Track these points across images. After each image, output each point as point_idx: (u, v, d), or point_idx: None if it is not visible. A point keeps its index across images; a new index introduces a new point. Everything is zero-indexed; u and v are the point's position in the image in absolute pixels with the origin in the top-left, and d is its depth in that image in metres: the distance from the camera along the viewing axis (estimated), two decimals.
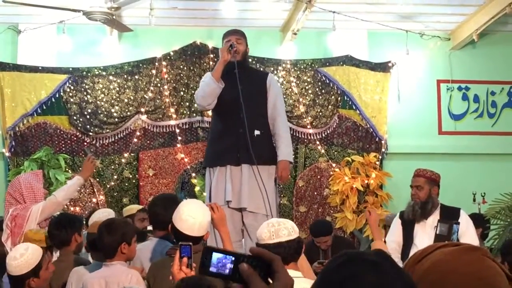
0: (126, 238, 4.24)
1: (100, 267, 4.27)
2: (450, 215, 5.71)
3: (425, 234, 5.72)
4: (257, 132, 5.75)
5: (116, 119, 8.45)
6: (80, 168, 8.29)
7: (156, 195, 6.72)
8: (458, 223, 5.44)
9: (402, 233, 5.81)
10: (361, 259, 1.26)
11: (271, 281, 1.41)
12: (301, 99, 8.67)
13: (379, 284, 1.20)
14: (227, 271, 1.43)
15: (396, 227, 5.87)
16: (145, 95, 8.48)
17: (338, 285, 1.22)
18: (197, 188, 8.33)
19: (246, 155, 5.68)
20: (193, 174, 8.45)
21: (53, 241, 5.18)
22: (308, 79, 8.78)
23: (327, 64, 8.84)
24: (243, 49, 5.85)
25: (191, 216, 4.06)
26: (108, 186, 8.38)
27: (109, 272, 4.12)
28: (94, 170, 7.79)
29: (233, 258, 1.44)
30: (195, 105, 8.51)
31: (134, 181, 8.51)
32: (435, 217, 5.77)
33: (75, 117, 8.39)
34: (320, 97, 8.76)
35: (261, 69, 8.42)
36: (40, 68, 8.41)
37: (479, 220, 6.70)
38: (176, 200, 4.87)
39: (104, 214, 5.57)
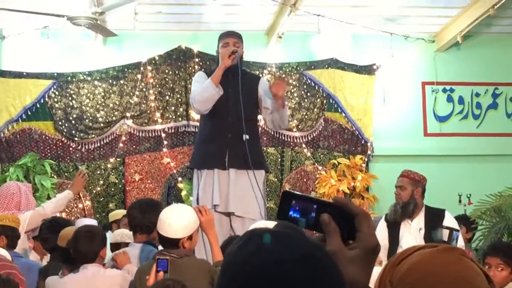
0: (104, 242, 4.32)
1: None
2: (435, 217, 5.75)
3: (410, 236, 5.76)
4: (245, 137, 5.74)
5: (102, 124, 8.43)
6: (66, 174, 8.32)
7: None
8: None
9: (388, 235, 5.84)
10: (259, 233, 1.16)
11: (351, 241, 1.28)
12: (286, 103, 8.65)
13: (284, 253, 1.11)
14: (310, 218, 1.30)
15: (381, 229, 5.89)
16: (130, 100, 8.45)
17: (242, 264, 1.12)
18: (183, 193, 8.32)
19: (234, 159, 5.68)
20: (180, 179, 8.43)
21: (46, 245, 5.17)
22: (294, 82, 8.79)
23: (312, 67, 8.86)
24: (241, 52, 5.84)
25: (168, 218, 4.09)
26: (94, 191, 8.35)
27: (88, 273, 4.16)
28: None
29: (315, 206, 1.31)
30: (181, 109, 8.53)
31: (120, 186, 8.48)
32: (420, 219, 5.82)
33: (60, 123, 8.35)
34: (306, 100, 8.77)
35: None
36: (24, 73, 8.37)
37: (467, 223, 6.73)
38: (154, 205, 4.88)
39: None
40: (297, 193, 1.35)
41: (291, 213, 1.31)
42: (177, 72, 8.56)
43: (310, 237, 1.18)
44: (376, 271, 1.39)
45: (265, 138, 8.49)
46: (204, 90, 5.67)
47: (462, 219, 6.72)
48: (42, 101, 8.36)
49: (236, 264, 1.13)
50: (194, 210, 4.36)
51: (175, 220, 4.09)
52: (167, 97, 8.53)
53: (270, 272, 1.09)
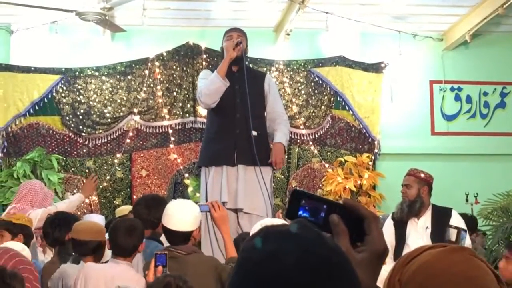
0: (143, 238, 4.31)
1: None
2: (441, 215, 5.74)
3: (417, 235, 5.74)
4: (254, 133, 5.75)
5: (109, 120, 8.43)
6: (73, 169, 8.33)
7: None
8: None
9: (394, 234, 5.83)
10: (277, 232, 1.14)
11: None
12: (294, 100, 8.67)
13: (300, 256, 1.08)
14: (319, 218, 1.30)
15: (388, 227, 5.88)
16: (138, 96, 8.46)
17: (257, 264, 1.10)
18: (190, 189, 8.32)
19: (242, 155, 5.69)
20: (186, 175, 8.43)
21: (47, 239, 5.23)
22: (301, 80, 8.77)
23: (320, 64, 8.83)
24: (244, 46, 5.86)
25: (180, 212, 4.11)
26: (100, 186, 8.35)
27: (117, 269, 4.11)
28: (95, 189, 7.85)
29: (325, 207, 1.30)
30: (188, 105, 8.53)
31: (127, 181, 8.48)
32: (426, 217, 5.80)
33: (67, 118, 8.36)
34: (313, 97, 8.76)
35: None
36: (32, 68, 8.38)
37: (473, 226, 6.73)
38: (160, 201, 4.90)
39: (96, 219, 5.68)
40: (307, 192, 1.33)
41: (300, 212, 1.30)
42: (184, 68, 8.56)
43: (328, 239, 1.16)
44: (383, 270, 1.38)
45: None
46: (210, 83, 5.70)
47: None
48: (49, 96, 8.36)
49: (251, 263, 1.11)
50: (207, 205, 4.39)
51: (185, 214, 4.11)
52: (175, 93, 8.53)
53: (284, 275, 1.07)
